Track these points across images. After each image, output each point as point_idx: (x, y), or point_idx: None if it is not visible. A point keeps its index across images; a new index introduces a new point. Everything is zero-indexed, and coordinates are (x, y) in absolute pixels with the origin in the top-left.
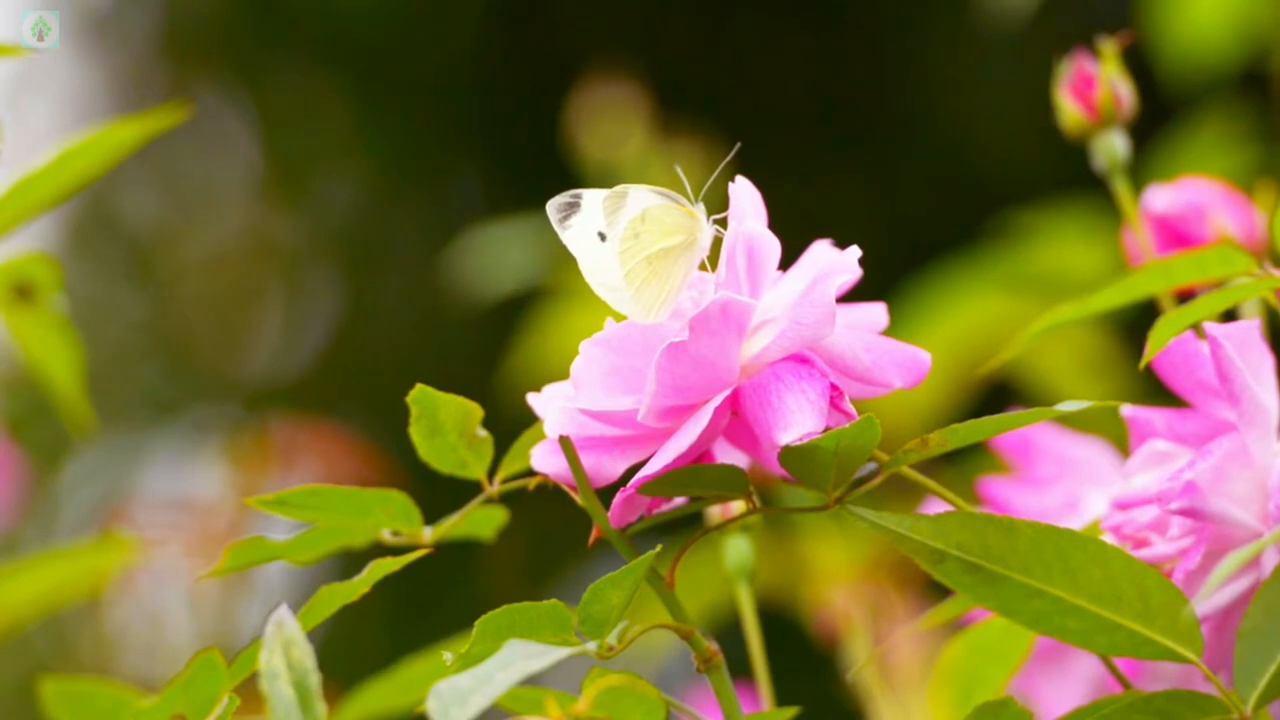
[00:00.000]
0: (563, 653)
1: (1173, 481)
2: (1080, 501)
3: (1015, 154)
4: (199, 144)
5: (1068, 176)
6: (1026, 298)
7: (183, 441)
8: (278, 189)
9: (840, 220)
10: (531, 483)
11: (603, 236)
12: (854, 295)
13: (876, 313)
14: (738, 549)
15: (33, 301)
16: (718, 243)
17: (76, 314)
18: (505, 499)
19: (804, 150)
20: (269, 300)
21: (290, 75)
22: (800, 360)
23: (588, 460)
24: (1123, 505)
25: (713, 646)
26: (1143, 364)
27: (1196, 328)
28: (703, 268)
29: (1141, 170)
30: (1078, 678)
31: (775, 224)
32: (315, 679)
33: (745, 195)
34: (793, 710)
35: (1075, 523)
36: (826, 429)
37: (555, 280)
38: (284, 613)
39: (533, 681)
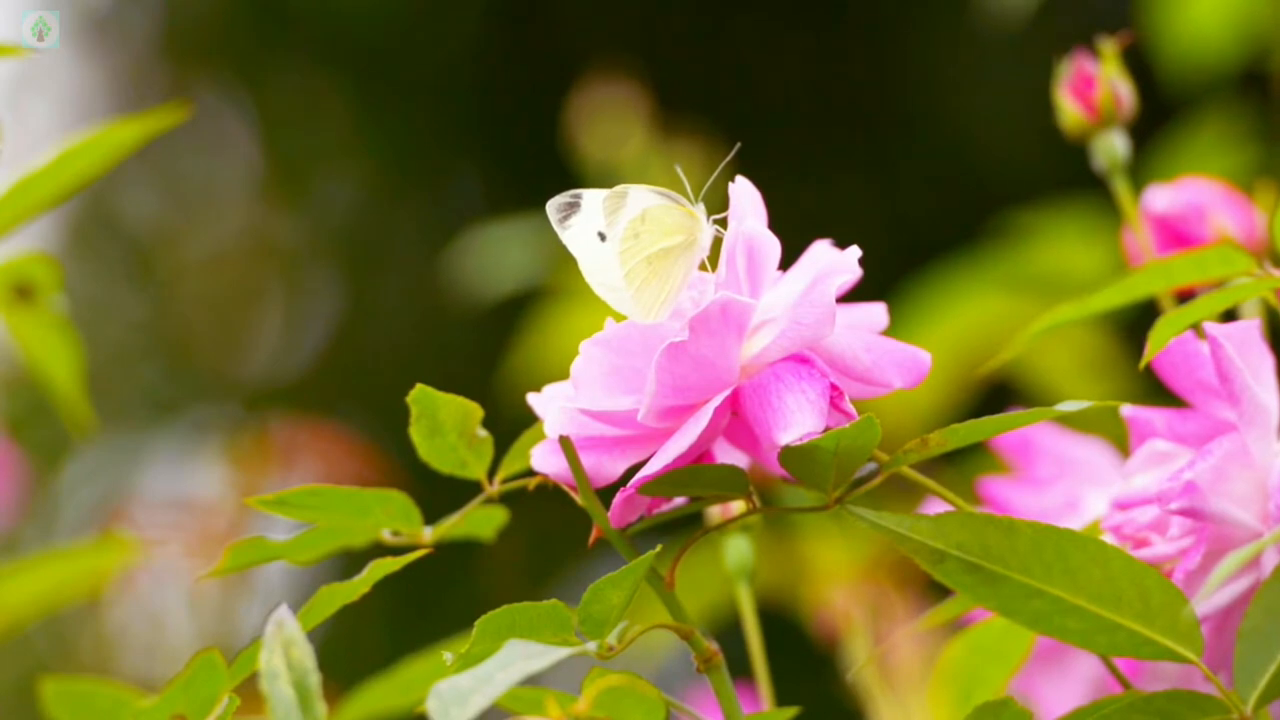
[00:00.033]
0: (563, 653)
1: (1173, 481)
2: (1080, 501)
3: (1015, 154)
4: (199, 144)
5: (1068, 176)
6: (1026, 298)
7: (183, 441)
8: (278, 189)
9: (840, 220)
10: (531, 483)
11: (603, 236)
12: (854, 295)
13: (876, 313)
14: (738, 549)
15: (33, 301)
16: (718, 243)
17: (76, 314)
18: (505, 499)
19: (804, 150)
20: (269, 300)
21: (290, 75)
22: (800, 360)
23: (588, 460)
24: (1123, 505)
25: (713, 646)
26: (1143, 364)
27: (1196, 328)
28: (703, 268)
29: (1141, 170)
30: (1078, 678)
31: (775, 224)
32: (315, 679)
33: (745, 195)
34: (793, 710)
35: (1075, 523)
36: (826, 429)
37: (555, 280)
38: (284, 613)
39: (533, 681)
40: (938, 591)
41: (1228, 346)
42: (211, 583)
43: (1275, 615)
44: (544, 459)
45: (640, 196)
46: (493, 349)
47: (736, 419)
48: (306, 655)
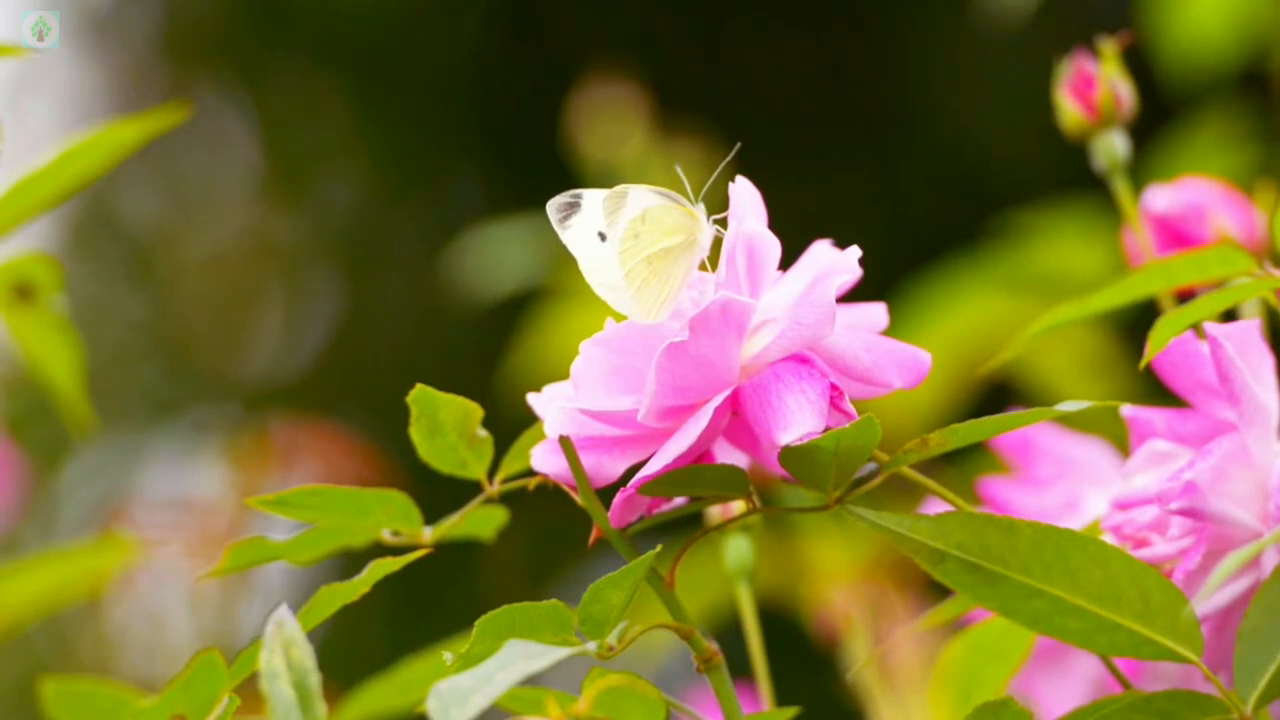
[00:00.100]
0: (563, 653)
1: (1173, 481)
2: (1080, 501)
3: (1015, 154)
4: (199, 144)
5: (1068, 176)
6: (1026, 298)
7: (183, 441)
8: (278, 189)
9: (840, 220)
10: (531, 483)
11: (603, 236)
12: (854, 295)
13: (876, 313)
14: (738, 549)
15: (33, 301)
16: (718, 243)
17: (76, 314)
18: (505, 499)
19: (804, 150)
20: (269, 300)
21: (290, 75)
22: (800, 360)
23: (588, 460)
24: (1123, 505)
25: (713, 646)
26: (1143, 364)
27: (1196, 328)
28: (703, 268)
29: (1141, 170)
30: (1078, 678)
31: (775, 224)
32: (315, 679)
33: (745, 195)
34: (793, 710)
35: (1075, 523)
36: (826, 429)
37: (555, 280)
38: (284, 613)
39: (533, 681)
40: (938, 591)
41: (1228, 346)
42: (211, 583)
43: (1275, 615)
44: (544, 459)
45: (640, 196)
46: (493, 349)
47: (736, 419)
48: (306, 655)
